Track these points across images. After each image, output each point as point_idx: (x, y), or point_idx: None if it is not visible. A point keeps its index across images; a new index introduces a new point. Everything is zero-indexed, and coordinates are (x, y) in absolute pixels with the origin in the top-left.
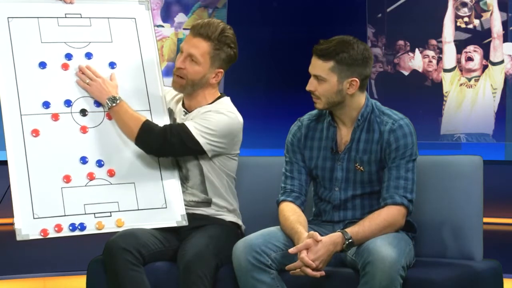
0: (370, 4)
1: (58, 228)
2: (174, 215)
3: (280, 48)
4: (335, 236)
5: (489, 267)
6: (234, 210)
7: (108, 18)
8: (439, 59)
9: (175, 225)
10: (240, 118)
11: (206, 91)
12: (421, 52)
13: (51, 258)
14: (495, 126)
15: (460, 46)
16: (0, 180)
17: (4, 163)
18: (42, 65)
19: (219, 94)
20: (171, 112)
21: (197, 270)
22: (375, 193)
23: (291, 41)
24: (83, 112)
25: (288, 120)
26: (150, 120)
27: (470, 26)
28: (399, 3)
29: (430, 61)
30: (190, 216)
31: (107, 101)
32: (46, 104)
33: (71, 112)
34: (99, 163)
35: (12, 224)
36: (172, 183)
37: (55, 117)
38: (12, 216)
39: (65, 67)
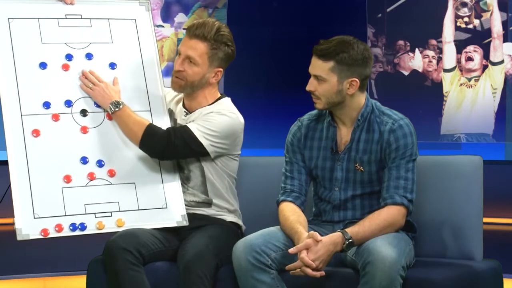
0: (370, 4)
1: (59, 228)
2: (175, 215)
3: (280, 48)
4: (335, 236)
5: (489, 267)
6: (235, 211)
7: (108, 19)
8: (439, 59)
9: (175, 225)
10: (241, 119)
11: (206, 91)
12: (421, 52)
13: (51, 258)
14: (495, 126)
15: (460, 46)
16: (0, 180)
17: (5, 163)
18: (43, 65)
19: (220, 95)
20: (171, 113)
21: (197, 270)
22: (375, 193)
23: (291, 41)
24: (84, 113)
25: (288, 120)
26: (152, 122)
27: (470, 26)
28: (399, 3)
29: (430, 61)
30: (191, 216)
31: (110, 106)
32: (47, 105)
33: (71, 113)
34: (100, 163)
35: (13, 224)
36: (172, 183)
37: (56, 117)
38: (12, 216)
39: (65, 67)
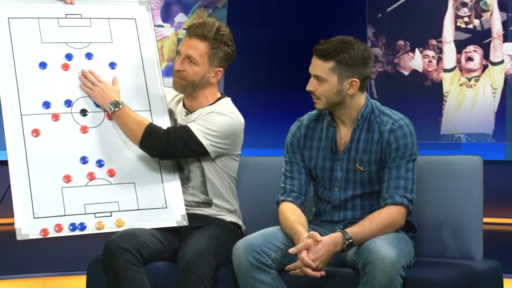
0: (370, 4)
1: (58, 227)
2: (174, 215)
3: (280, 48)
4: (335, 236)
5: (489, 267)
6: (235, 211)
7: (108, 18)
8: (439, 59)
9: (175, 225)
10: (241, 119)
11: (206, 91)
12: (421, 52)
13: (51, 258)
14: (495, 126)
15: (460, 46)
16: (0, 180)
17: (4, 163)
18: (43, 65)
19: (220, 95)
20: (171, 113)
21: (197, 270)
22: (375, 193)
23: (291, 41)
24: (84, 112)
25: (288, 120)
26: (152, 122)
27: (470, 26)
28: (399, 3)
29: (430, 61)
30: (190, 216)
31: (109, 106)
32: (47, 104)
33: (71, 112)
34: (99, 163)
35: (12, 224)
36: (172, 183)
37: (56, 117)
38: (12, 216)
39: (65, 67)
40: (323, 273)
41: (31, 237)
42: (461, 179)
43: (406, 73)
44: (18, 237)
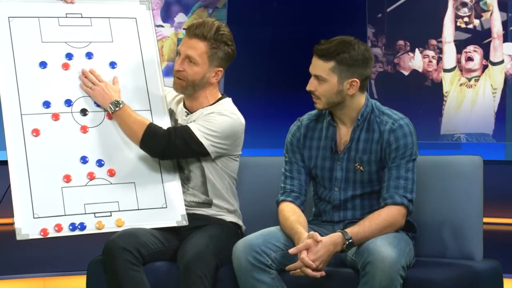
0: (370, 4)
1: (58, 227)
2: (174, 215)
3: (280, 48)
4: (335, 236)
5: (489, 267)
6: (235, 211)
7: (108, 18)
8: (439, 59)
9: (175, 225)
10: (242, 119)
11: (207, 91)
12: (421, 52)
13: (51, 258)
14: (495, 126)
15: (460, 46)
16: (0, 180)
17: (4, 162)
18: (43, 64)
19: (221, 95)
20: (172, 113)
21: (197, 270)
22: (375, 193)
23: (291, 41)
24: (84, 112)
25: (288, 120)
26: (152, 121)
27: (470, 26)
28: (399, 3)
29: (430, 61)
30: (190, 216)
31: (110, 105)
32: (47, 104)
33: (71, 112)
34: (99, 163)
35: (12, 224)
36: (172, 183)
37: (56, 116)
38: (12, 216)
39: (65, 66)
40: (323, 273)
41: (31, 237)
42: (461, 179)
43: (406, 73)
44: (18, 237)
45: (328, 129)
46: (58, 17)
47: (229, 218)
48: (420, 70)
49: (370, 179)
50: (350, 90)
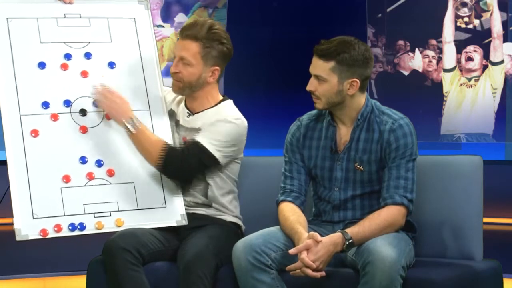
0: (370, 4)
1: (58, 228)
2: (174, 215)
3: (280, 48)
4: (335, 236)
5: (489, 267)
6: (235, 212)
7: (107, 18)
8: (439, 59)
9: (174, 224)
10: (245, 123)
11: (206, 91)
12: (421, 52)
13: (51, 258)
14: (495, 126)
15: (460, 46)
16: None
17: (4, 163)
18: (42, 65)
19: (221, 97)
20: (173, 114)
21: (197, 270)
22: (375, 193)
23: (291, 41)
24: (83, 112)
25: (288, 120)
26: (151, 122)
27: (470, 26)
28: (399, 3)
29: (430, 61)
30: (190, 216)
31: (125, 123)
32: (46, 104)
33: (70, 112)
34: (99, 163)
35: (12, 224)
36: (172, 182)
37: (55, 117)
38: (12, 216)
39: (64, 67)
40: (323, 273)
41: (31, 237)
42: (461, 179)
43: (406, 73)
44: (18, 238)
45: (328, 129)
46: (56, 18)
47: (229, 218)
48: (420, 70)
49: (370, 179)
50: (350, 90)
